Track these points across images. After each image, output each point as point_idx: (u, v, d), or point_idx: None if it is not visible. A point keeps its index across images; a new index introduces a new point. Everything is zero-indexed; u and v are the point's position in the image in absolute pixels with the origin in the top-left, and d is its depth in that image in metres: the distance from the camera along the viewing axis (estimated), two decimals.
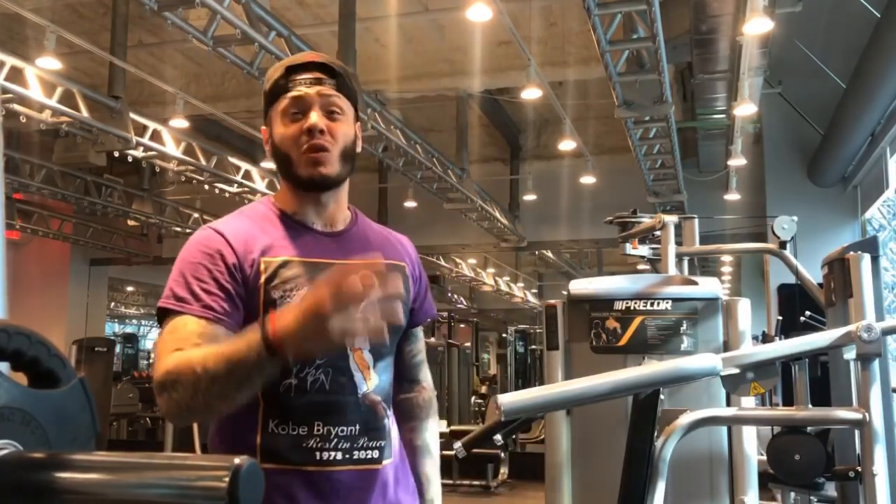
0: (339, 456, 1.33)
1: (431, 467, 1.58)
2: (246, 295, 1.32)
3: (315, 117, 1.35)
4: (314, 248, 1.38)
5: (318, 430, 1.32)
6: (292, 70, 1.39)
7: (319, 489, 1.31)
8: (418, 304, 1.52)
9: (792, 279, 3.62)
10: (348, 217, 1.47)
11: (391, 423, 1.44)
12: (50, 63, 5.82)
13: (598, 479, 2.72)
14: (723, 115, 8.01)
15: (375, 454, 1.37)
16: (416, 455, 1.56)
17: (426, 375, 1.61)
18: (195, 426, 9.02)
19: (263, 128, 1.44)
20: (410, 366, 1.56)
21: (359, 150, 1.45)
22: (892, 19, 5.36)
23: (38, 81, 5.84)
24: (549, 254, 14.02)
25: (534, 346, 14.94)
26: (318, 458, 1.32)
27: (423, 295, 1.54)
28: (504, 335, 16.80)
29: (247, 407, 1.28)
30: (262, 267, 1.33)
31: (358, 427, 1.35)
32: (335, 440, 1.33)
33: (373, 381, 1.38)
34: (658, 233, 3.46)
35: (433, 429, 1.60)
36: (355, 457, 1.35)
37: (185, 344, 1.22)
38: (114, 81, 6.39)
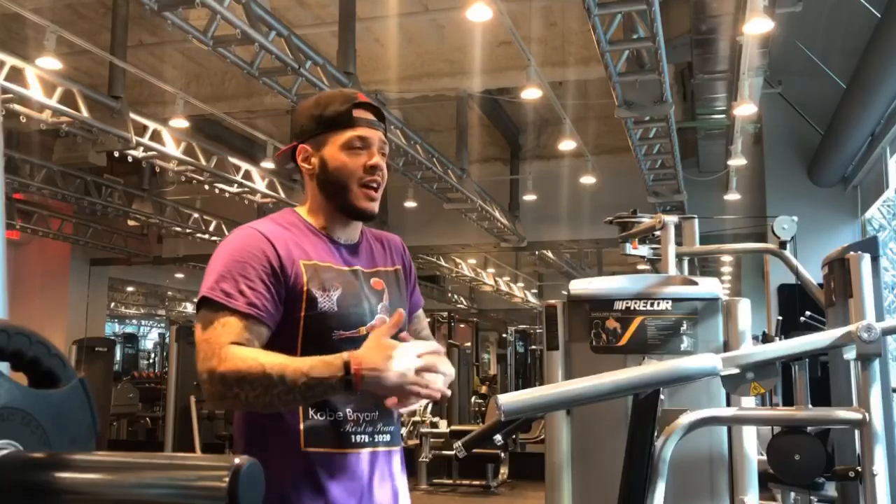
0: (366, 438, 1.49)
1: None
2: (287, 293, 1.45)
3: (377, 157, 1.54)
4: (339, 256, 1.56)
5: (351, 416, 1.47)
6: (357, 106, 1.55)
7: (353, 469, 1.47)
8: (412, 296, 1.71)
9: (792, 279, 3.62)
10: (359, 232, 1.65)
11: (398, 413, 1.58)
12: (50, 63, 5.82)
13: (598, 479, 2.72)
14: (723, 115, 8.01)
15: (388, 437, 1.54)
16: None
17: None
18: (195, 426, 9.03)
19: (305, 146, 1.56)
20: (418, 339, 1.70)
21: None
22: (892, 19, 5.36)
23: (38, 81, 5.84)
24: (549, 254, 14.02)
25: (534, 346, 14.92)
26: (352, 441, 1.47)
27: (414, 284, 1.72)
28: (504, 335, 16.80)
29: None
30: (303, 269, 1.48)
31: (377, 412, 1.50)
32: (363, 424, 1.49)
33: None
34: (658, 233, 3.46)
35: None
36: (376, 440, 1.51)
37: (239, 338, 1.37)
38: (114, 81, 6.39)
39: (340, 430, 1.46)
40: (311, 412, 1.45)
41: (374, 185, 1.55)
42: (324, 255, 1.53)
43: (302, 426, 1.44)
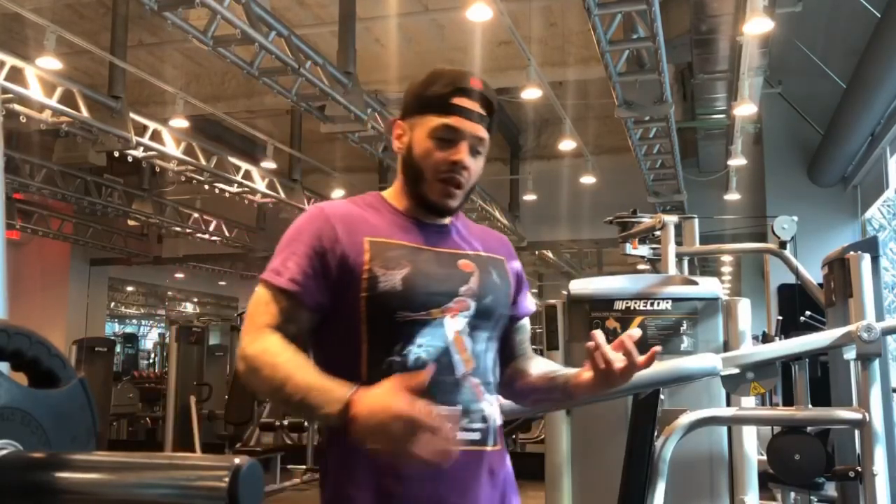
0: None
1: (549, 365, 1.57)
2: (346, 272, 1.36)
3: (464, 153, 1.40)
4: (418, 236, 1.43)
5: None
6: (459, 92, 1.41)
7: (427, 470, 1.28)
8: (520, 299, 1.56)
9: (792, 279, 3.62)
10: (449, 217, 1.51)
11: (493, 410, 1.43)
12: (50, 63, 5.82)
13: (598, 479, 2.72)
14: (723, 115, 8.01)
15: (478, 436, 1.37)
16: (540, 374, 1.53)
17: (532, 352, 1.63)
18: (195, 426, 9.03)
19: (399, 121, 1.47)
20: (518, 349, 1.59)
21: None
22: (892, 19, 5.36)
23: (38, 81, 5.84)
24: (549, 254, 14.02)
25: (534, 346, 14.93)
26: None
27: (524, 291, 1.58)
28: None
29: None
30: (367, 246, 1.37)
31: (460, 408, 1.35)
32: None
33: (471, 363, 1.39)
34: (658, 233, 3.46)
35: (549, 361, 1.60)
36: (459, 437, 1.31)
37: (276, 321, 1.34)
38: (114, 81, 6.39)
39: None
40: None
41: (453, 181, 1.40)
42: (397, 233, 1.42)
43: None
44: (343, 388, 1.23)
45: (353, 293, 1.35)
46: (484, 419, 1.39)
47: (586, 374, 1.41)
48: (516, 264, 1.57)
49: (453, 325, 1.37)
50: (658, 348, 1.40)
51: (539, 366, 1.56)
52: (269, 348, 1.31)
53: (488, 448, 1.39)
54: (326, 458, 1.39)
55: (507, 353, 1.56)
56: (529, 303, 1.60)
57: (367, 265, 1.36)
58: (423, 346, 1.35)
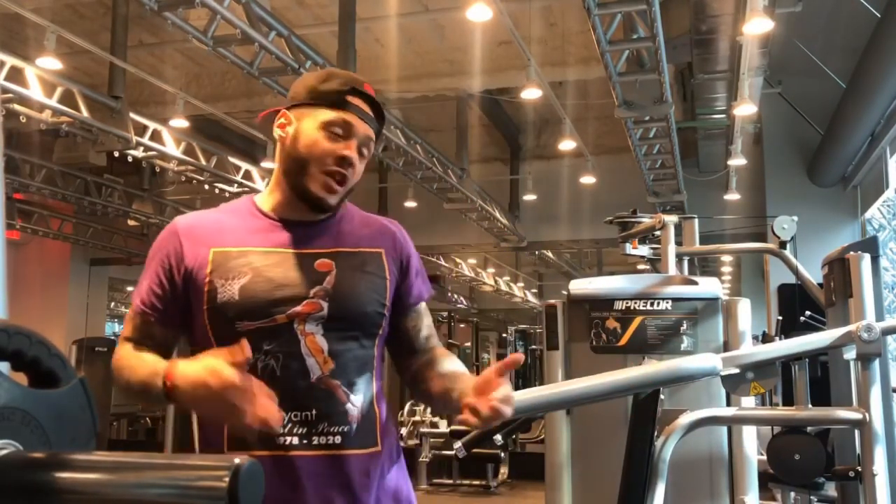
0: (296, 441, 1.33)
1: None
2: (191, 285, 1.39)
3: (353, 150, 1.40)
4: (277, 239, 1.42)
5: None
6: (353, 92, 1.42)
7: (280, 474, 1.32)
8: (406, 287, 1.50)
9: (792, 279, 3.62)
10: (325, 214, 1.47)
11: (361, 411, 1.39)
12: (50, 63, 5.82)
13: (598, 479, 2.72)
14: (723, 115, 8.01)
15: (338, 439, 1.35)
16: (442, 375, 1.45)
17: (437, 344, 1.56)
18: (195, 426, 9.02)
19: (288, 113, 1.44)
20: (417, 339, 1.53)
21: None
22: (892, 19, 5.36)
23: (39, 81, 5.84)
24: (549, 254, 14.03)
25: (534, 346, 14.94)
26: (276, 442, 1.32)
27: (413, 277, 1.52)
28: (504, 335, 16.79)
29: None
30: (211, 257, 1.38)
31: (314, 412, 1.34)
32: (289, 425, 1.33)
33: (329, 365, 1.36)
34: (658, 233, 3.46)
35: (454, 361, 1.50)
36: (314, 442, 1.34)
37: (132, 335, 1.42)
38: (114, 81, 6.39)
39: (261, 430, 1.25)
40: None
41: (338, 176, 1.39)
42: (252, 238, 1.40)
43: (226, 427, 1.33)
44: (164, 364, 1.28)
45: (198, 306, 1.37)
46: (345, 421, 1.36)
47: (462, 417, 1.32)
48: (405, 252, 1.51)
49: (305, 327, 1.36)
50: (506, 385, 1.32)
51: (442, 374, 1.45)
52: (122, 355, 1.39)
53: (352, 451, 1.36)
54: None
55: (406, 344, 1.51)
56: (423, 289, 1.54)
57: (209, 277, 1.37)
58: (270, 354, 1.34)
